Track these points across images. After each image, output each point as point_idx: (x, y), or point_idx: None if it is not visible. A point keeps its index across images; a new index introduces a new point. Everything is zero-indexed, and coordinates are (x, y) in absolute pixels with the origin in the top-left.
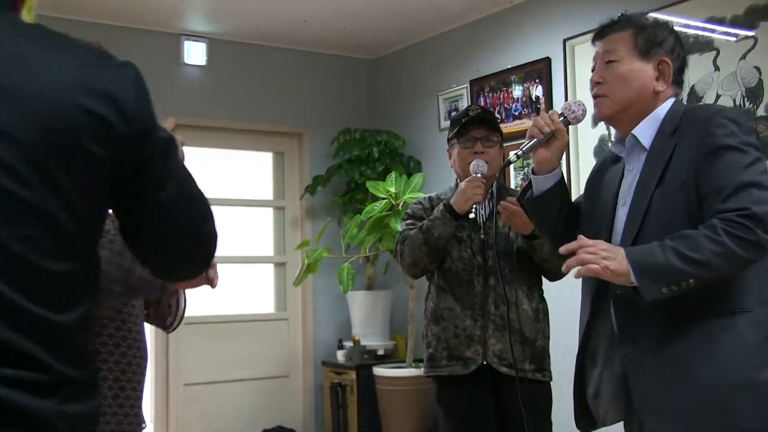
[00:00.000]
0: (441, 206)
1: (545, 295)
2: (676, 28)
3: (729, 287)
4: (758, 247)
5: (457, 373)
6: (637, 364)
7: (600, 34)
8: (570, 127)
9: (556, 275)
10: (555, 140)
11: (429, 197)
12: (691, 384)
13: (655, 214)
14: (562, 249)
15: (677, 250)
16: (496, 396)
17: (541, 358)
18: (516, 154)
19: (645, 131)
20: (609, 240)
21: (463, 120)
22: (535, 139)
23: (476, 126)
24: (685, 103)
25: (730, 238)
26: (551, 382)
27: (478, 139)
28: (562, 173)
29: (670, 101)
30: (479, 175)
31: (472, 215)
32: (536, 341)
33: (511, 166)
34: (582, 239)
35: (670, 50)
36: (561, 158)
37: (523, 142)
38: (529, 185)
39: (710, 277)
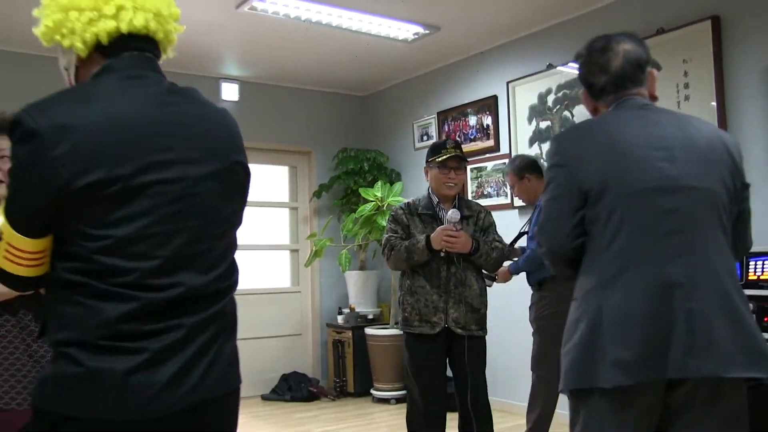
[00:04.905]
0: (423, 241)
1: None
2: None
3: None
4: None
5: (426, 333)
6: None
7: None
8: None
9: (487, 270)
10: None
11: (408, 203)
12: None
13: None
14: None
15: None
16: (449, 348)
17: (483, 321)
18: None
19: None
20: None
21: (444, 154)
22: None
23: (452, 159)
24: None
25: None
26: (486, 336)
27: (453, 168)
28: None
29: None
30: (452, 224)
31: (443, 253)
32: (480, 309)
33: (468, 175)
34: None
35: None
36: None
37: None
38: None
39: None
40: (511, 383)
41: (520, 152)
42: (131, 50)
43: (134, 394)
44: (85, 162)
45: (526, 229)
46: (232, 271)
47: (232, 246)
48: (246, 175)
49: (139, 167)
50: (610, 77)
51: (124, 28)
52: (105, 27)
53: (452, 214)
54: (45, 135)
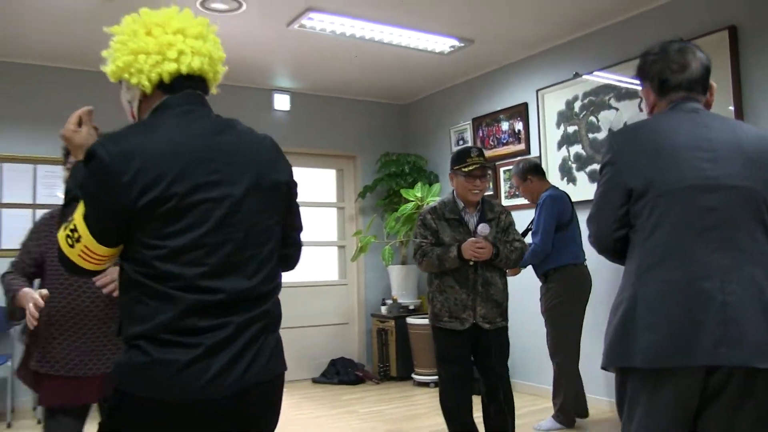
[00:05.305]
0: (455, 252)
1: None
2: (615, 81)
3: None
4: None
5: (456, 329)
6: None
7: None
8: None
9: (507, 269)
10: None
11: (434, 207)
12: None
13: None
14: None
15: None
16: (475, 341)
17: (505, 313)
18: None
19: None
20: None
21: (469, 164)
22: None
23: (477, 169)
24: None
25: None
26: (508, 324)
27: (478, 176)
28: None
29: None
30: (481, 237)
31: (471, 262)
32: (503, 303)
33: (501, 177)
34: None
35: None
36: None
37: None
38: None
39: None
40: (540, 368)
41: (549, 155)
42: (187, 88)
43: (190, 381)
44: (146, 183)
45: (531, 226)
46: (275, 275)
47: (275, 253)
48: (289, 191)
49: (189, 188)
50: (687, 76)
51: (184, 69)
52: (168, 68)
53: (482, 228)
54: (115, 164)
